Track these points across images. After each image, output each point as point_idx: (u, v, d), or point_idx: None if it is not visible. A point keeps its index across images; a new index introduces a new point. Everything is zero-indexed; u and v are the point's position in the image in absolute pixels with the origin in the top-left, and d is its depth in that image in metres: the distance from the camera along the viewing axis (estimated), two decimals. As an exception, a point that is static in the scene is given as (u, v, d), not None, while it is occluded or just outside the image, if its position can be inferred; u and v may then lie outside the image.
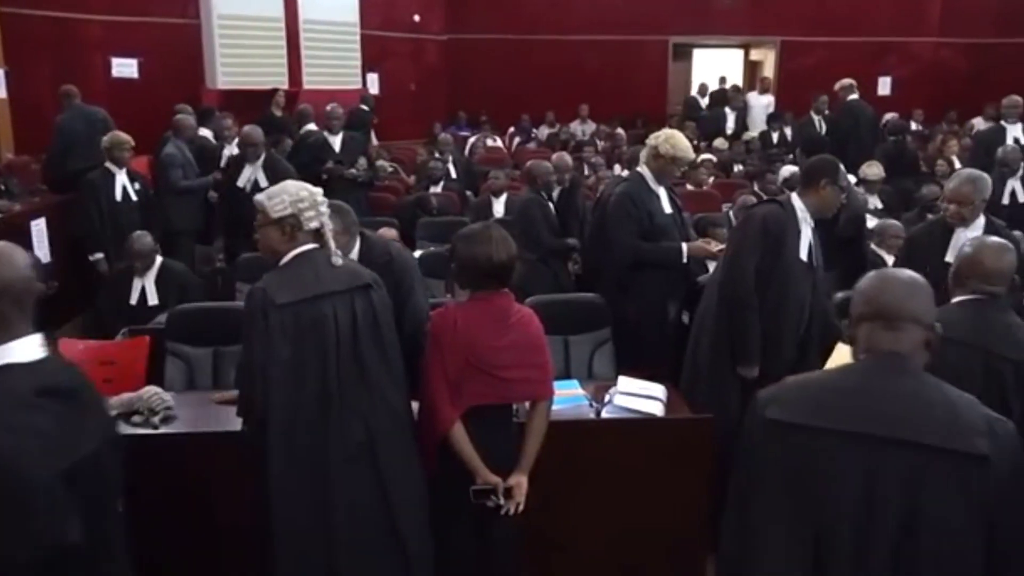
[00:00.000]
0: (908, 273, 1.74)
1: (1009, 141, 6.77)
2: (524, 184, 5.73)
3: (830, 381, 1.71)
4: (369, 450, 2.44)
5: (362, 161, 6.73)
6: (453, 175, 7.74)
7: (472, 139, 10.76)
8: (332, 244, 2.47)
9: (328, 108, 6.89)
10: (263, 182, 5.48)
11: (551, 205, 5.26)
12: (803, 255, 3.38)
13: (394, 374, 2.51)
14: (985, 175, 3.63)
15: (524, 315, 2.58)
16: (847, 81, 8.59)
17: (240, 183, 5.69)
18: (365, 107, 10.67)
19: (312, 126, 7.18)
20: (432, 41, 12.50)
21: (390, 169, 8.41)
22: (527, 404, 2.66)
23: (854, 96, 8.52)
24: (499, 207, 6.46)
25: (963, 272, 2.41)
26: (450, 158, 7.96)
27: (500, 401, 2.55)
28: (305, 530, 2.38)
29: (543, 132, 11.61)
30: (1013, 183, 5.87)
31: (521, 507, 2.51)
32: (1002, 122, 7.21)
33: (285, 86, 9.20)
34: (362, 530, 2.43)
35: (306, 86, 9.64)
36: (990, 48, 12.48)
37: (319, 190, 2.52)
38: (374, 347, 2.45)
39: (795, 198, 3.44)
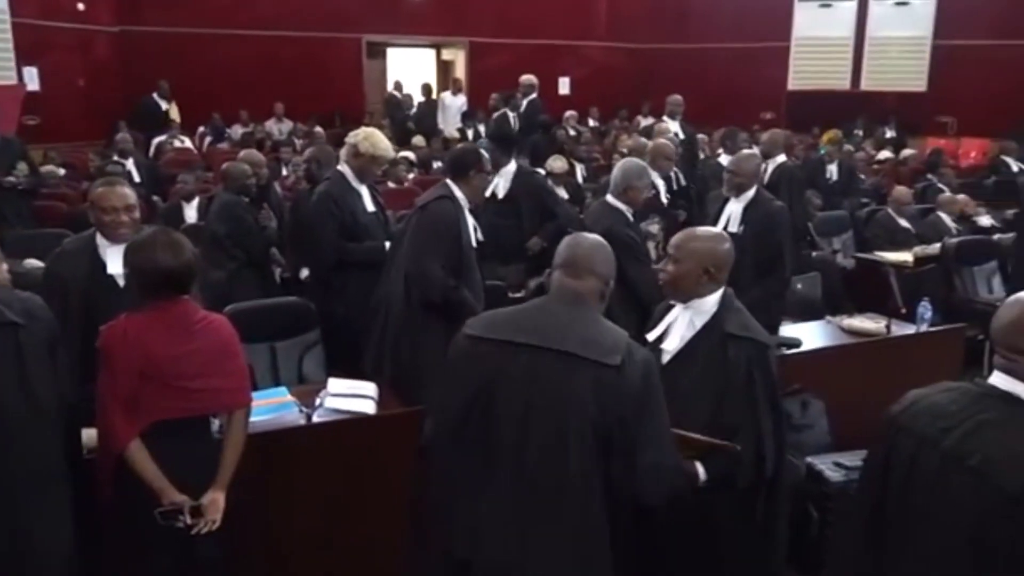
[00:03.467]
0: (595, 237, 2.19)
1: (670, 135, 7.64)
2: (219, 186, 5.43)
3: (517, 310, 2.11)
4: (3, 509, 2.16)
5: (22, 166, 5.95)
6: (136, 179, 7.11)
7: (157, 140, 9.96)
8: None
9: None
10: None
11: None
12: (473, 240, 3.57)
13: (44, 422, 2.23)
14: (646, 167, 4.11)
15: (211, 321, 2.44)
16: (530, 79, 9.17)
17: None
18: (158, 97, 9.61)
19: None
20: (102, 33, 11.36)
21: (61, 173, 7.54)
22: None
23: (534, 95, 9.12)
24: (191, 212, 6.06)
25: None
26: (131, 160, 7.30)
27: (189, 414, 2.38)
28: None
29: (237, 131, 11.05)
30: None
31: (217, 524, 2.37)
32: (664, 118, 8.11)
33: (-85, 81, 7.87)
34: None
35: (-56, 81, 8.33)
36: (650, 52, 14.01)
37: None
38: (17, 392, 2.17)
39: (454, 188, 3.56)
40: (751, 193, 4.20)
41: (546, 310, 2.04)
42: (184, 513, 2.31)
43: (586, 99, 13.09)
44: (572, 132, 11.47)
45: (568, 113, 11.96)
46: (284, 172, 7.51)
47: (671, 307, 2.47)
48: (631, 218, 3.99)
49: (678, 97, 7.92)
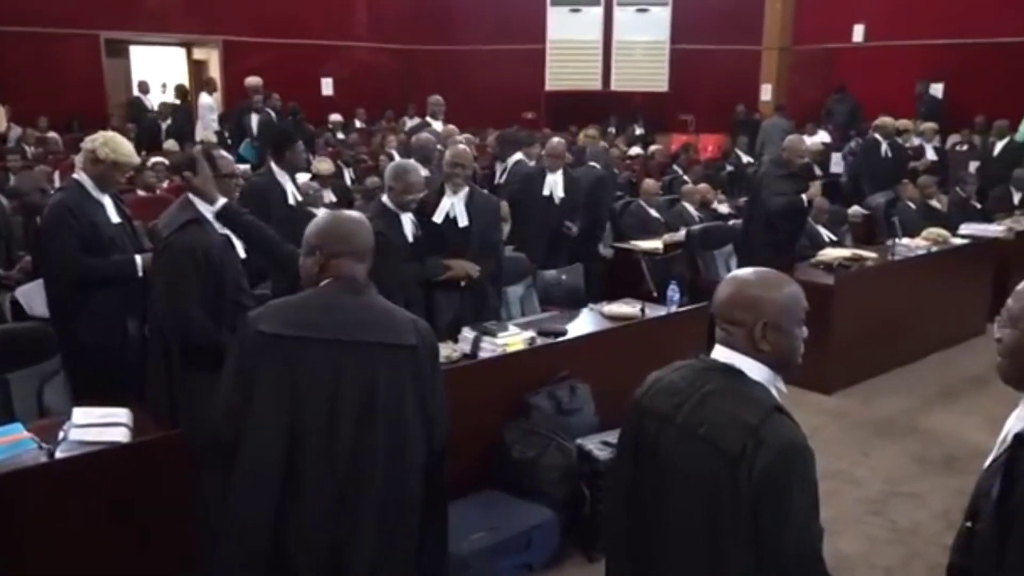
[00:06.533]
0: (356, 214, 2.29)
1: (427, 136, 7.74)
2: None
3: (304, 300, 2.14)
4: None
5: None
6: None
7: None
8: None
9: None
10: None
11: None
12: (241, 252, 3.34)
13: None
14: (408, 168, 4.07)
15: None
16: (255, 81, 9.10)
17: None
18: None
19: None
20: None
21: None
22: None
23: (260, 97, 9.10)
24: None
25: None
26: None
27: None
28: None
29: (-48, 139, 9.78)
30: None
31: None
32: (427, 118, 8.20)
33: None
34: None
35: None
36: (413, 52, 14.07)
37: None
38: None
39: (196, 200, 3.24)
40: (467, 187, 4.24)
41: (337, 301, 2.11)
42: None
43: (351, 100, 12.91)
44: (340, 135, 11.32)
45: (333, 116, 11.77)
46: (12, 182, 6.74)
47: None
48: (403, 215, 3.99)
49: (438, 98, 8.06)
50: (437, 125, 7.87)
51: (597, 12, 13.71)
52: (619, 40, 13.73)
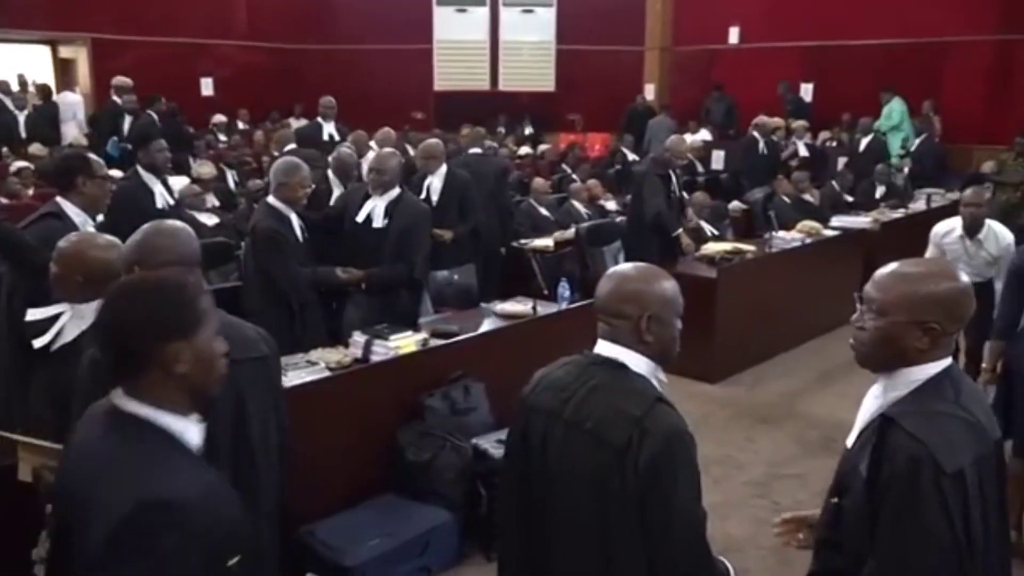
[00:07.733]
0: (178, 224, 2.12)
1: (325, 137, 7.59)
2: None
3: None
4: None
5: None
6: None
7: None
8: None
9: None
10: None
11: None
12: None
13: None
14: (298, 163, 4.10)
15: None
16: (123, 81, 8.89)
17: None
18: None
19: None
20: None
21: None
22: None
23: (132, 96, 9.22)
24: None
25: None
26: None
27: None
28: None
29: None
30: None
31: None
32: (319, 119, 8.01)
33: None
34: None
35: None
36: (298, 52, 13.72)
37: None
38: None
39: (64, 204, 3.19)
40: (396, 191, 4.31)
41: None
42: None
43: (234, 101, 12.49)
44: (222, 137, 10.94)
45: (216, 117, 11.37)
46: None
47: None
48: (292, 215, 4.00)
49: (330, 99, 7.91)
50: (328, 127, 7.73)
51: (483, 12, 13.73)
52: (506, 40, 13.80)
